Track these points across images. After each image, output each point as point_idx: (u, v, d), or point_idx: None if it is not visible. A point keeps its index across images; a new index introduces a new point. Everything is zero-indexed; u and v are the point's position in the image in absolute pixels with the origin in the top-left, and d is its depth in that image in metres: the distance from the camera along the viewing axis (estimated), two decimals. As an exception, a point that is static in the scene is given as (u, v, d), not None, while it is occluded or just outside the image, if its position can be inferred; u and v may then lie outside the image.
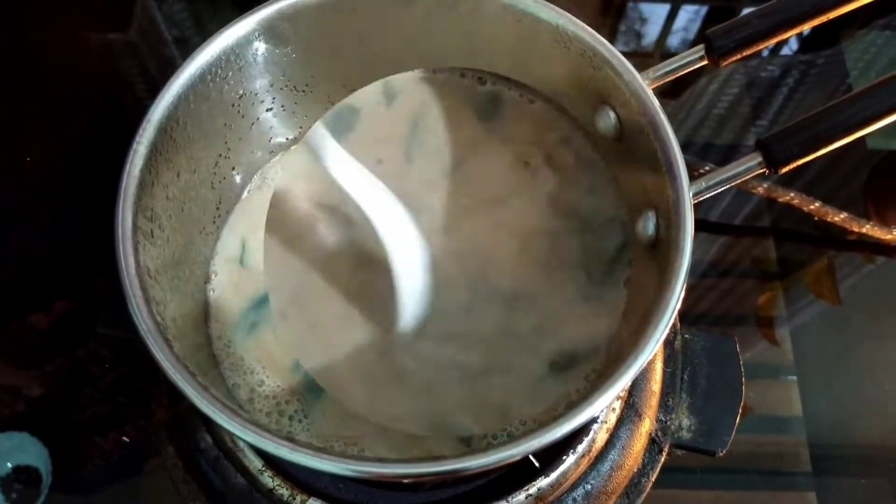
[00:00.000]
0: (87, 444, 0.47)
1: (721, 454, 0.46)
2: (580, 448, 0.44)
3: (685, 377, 0.48)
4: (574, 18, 0.39)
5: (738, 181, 0.37)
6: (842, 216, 0.59)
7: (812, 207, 0.59)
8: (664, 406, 0.48)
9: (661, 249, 0.36)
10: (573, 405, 0.32)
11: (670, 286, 0.34)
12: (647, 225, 0.38)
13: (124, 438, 0.48)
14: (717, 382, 0.48)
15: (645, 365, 0.32)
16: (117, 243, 0.34)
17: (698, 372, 0.48)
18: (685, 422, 0.47)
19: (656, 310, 0.33)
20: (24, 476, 0.45)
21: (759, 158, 0.36)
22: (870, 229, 0.59)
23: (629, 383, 0.32)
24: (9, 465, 0.45)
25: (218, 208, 0.45)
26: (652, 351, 0.32)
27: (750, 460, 0.54)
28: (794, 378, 0.57)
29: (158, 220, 0.38)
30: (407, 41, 0.44)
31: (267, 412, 0.42)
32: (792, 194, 0.60)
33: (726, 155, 0.63)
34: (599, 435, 0.45)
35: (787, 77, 0.67)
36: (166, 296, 0.37)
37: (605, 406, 0.32)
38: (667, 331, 0.33)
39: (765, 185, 0.60)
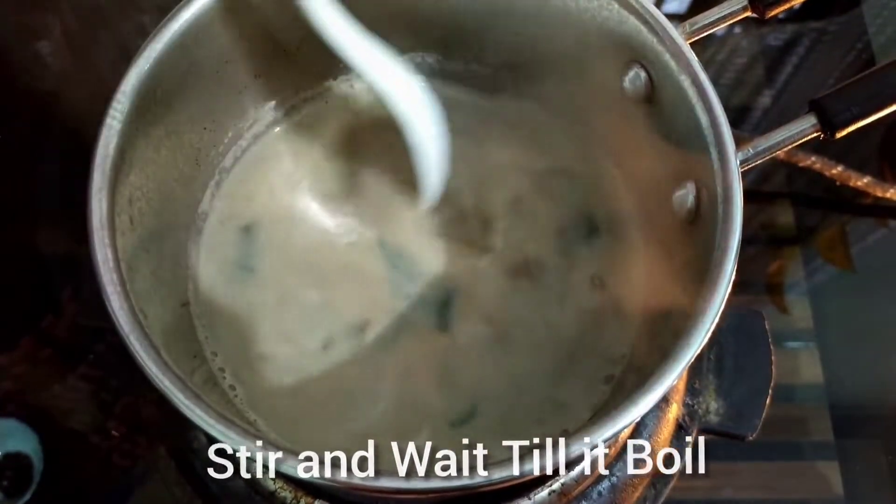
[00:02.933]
0: (77, 435, 0.45)
1: (751, 438, 0.43)
2: None
3: (711, 357, 0.45)
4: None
5: (789, 146, 0.33)
6: (865, 180, 0.56)
7: (834, 172, 0.56)
8: (690, 389, 0.44)
9: (704, 224, 0.33)
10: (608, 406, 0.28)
11: (720, 268, 0.30)
12: (686, 197, 0.35)
13: (114, 433, 0.45)
14: (744, 362, 0.45)
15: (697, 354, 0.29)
16: (92, 233, 0.30)
17: (725, 351, 0.45)
18: (713, 405, 0.44)
19: (703, 298, 0.30)
20: (15, 463, 0.43)
21: (814, 121, 0.33)
22: (894, 193, 0.57)
23: (677, 379, 0.29)
24: (-1, 452, 0.44)
25: (203, 187, 0.41)
26: (703, 341, 0.29)
27: (771, 430, 0.52)
28: (811, 344, 0.54)
29: (138, 204, 0.34)
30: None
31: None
32: (813, 158, 0.57)
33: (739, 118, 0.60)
34: None
35: (798, 45, 0.63)
36: (148, 288, 0.33)
37: (650, 406, 0.28)
38: (716, 321, 0.29)
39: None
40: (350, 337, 0.39)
